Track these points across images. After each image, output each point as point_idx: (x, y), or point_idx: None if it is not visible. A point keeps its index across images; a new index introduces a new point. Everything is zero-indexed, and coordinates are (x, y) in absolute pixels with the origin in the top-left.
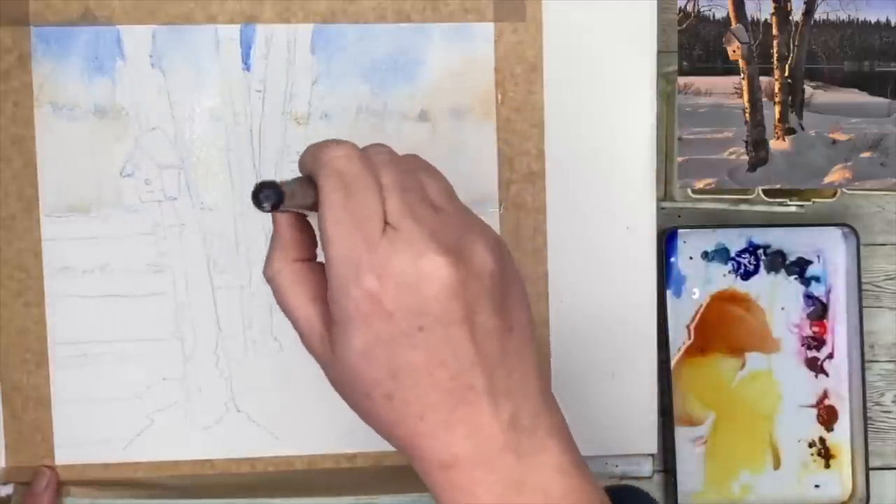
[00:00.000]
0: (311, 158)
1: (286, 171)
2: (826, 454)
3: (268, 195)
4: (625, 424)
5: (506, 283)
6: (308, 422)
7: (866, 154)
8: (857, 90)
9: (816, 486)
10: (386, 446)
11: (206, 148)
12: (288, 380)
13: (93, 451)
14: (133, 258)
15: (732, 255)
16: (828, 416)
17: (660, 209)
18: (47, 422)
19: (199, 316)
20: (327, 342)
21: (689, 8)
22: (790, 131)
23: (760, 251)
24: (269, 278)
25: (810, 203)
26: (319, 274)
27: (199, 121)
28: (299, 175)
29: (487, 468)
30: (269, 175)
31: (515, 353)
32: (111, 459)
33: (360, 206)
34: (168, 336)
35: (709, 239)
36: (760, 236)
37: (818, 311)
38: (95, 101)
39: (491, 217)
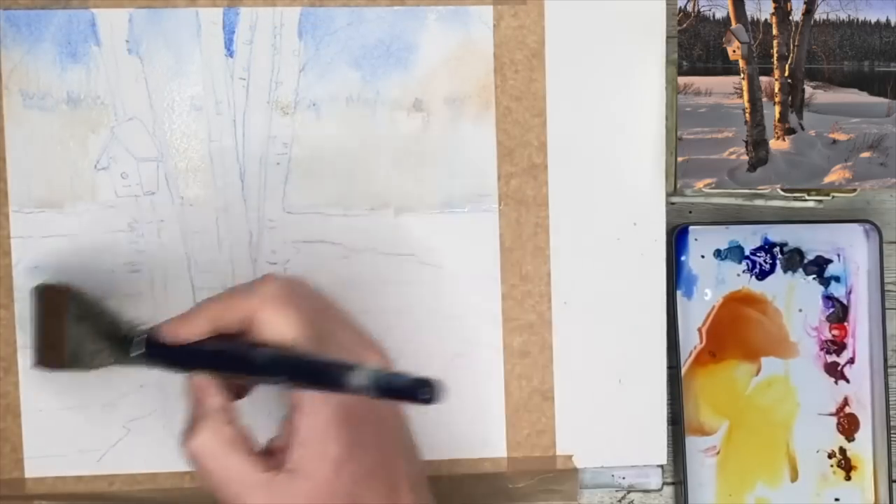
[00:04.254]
0: None
1: (271, 163)
2: (847, 466)
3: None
4: (632, 434)
5: None
6: None
7: (866, 154)
8: (857, 90)
9: (836, 499)
10: None
11: (186, 139)
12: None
13: (65, 463)
14: (109, 257)
15: (747, 253)
16: (849, 425)
17: (669, 204)
18: (16, 432)
19: None
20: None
21: (689, 8)
22: (790, 131)
23: (777, 249)
24: (198, 451)
25: (830, 198)
26: (241, 427)
27: (179, 110)
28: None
29: None
30: (254, 167)
31: None
32: (85, 472)
33: None
34: None
35: (721, 236)
36: (777, 233)
37: (838, 313)
38: (68, 90)
39: (490, 213)
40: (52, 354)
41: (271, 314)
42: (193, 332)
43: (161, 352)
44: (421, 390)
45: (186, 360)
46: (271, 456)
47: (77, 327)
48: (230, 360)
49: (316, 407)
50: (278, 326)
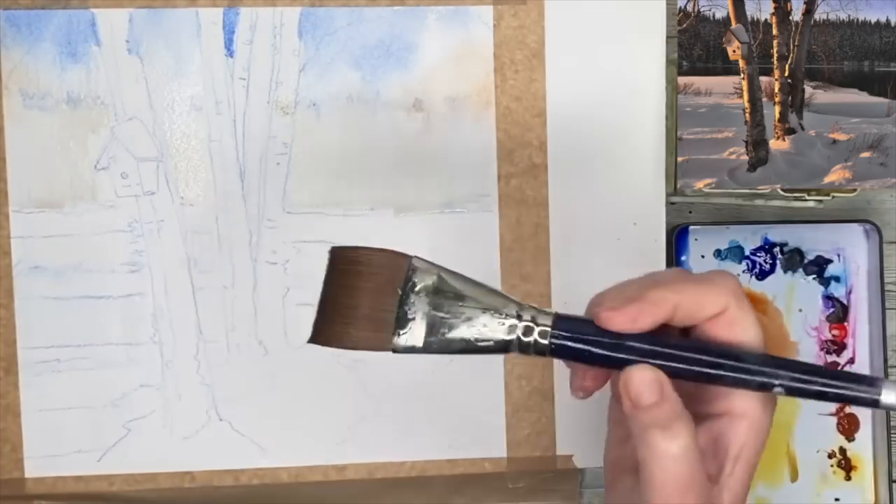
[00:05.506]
0: None
1: (271, 163)
2: (847, 465)
3: None
4: None
5: None
6: (295, 431)
7: (866, 154)
8: (857, 90)
9: (836, 499)
10: (377, 457)
11: (186, 139)
12: (273, 386)
13: (65, 463)
14: (108, 257)
15: (747, 253)
16: (849, 426)
17: (669, 204)
18: (16, 432)
19: (179, 318)
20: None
21: (689, 8)
22: (790, 131)
23: (777, 249)
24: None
25: (830, 198)
26: None
27: (179, 110)
28: None
29: None
30: (254, 168)
31: None
32: (85, 472)
33: None
34: (146, 340)
35: (722, 236)
36: (777, 233)
37: (838, 313)
38: (68, 90)
39: (490, 214)
40: (370, 328)
41: (745, 312)
42: (653, 320)
43: (587, 339)
44: None
45: (626, 352)
46: None
47: (421, 304)
48: (709, 356)
49: (762, 424)
50: (749, 327)
